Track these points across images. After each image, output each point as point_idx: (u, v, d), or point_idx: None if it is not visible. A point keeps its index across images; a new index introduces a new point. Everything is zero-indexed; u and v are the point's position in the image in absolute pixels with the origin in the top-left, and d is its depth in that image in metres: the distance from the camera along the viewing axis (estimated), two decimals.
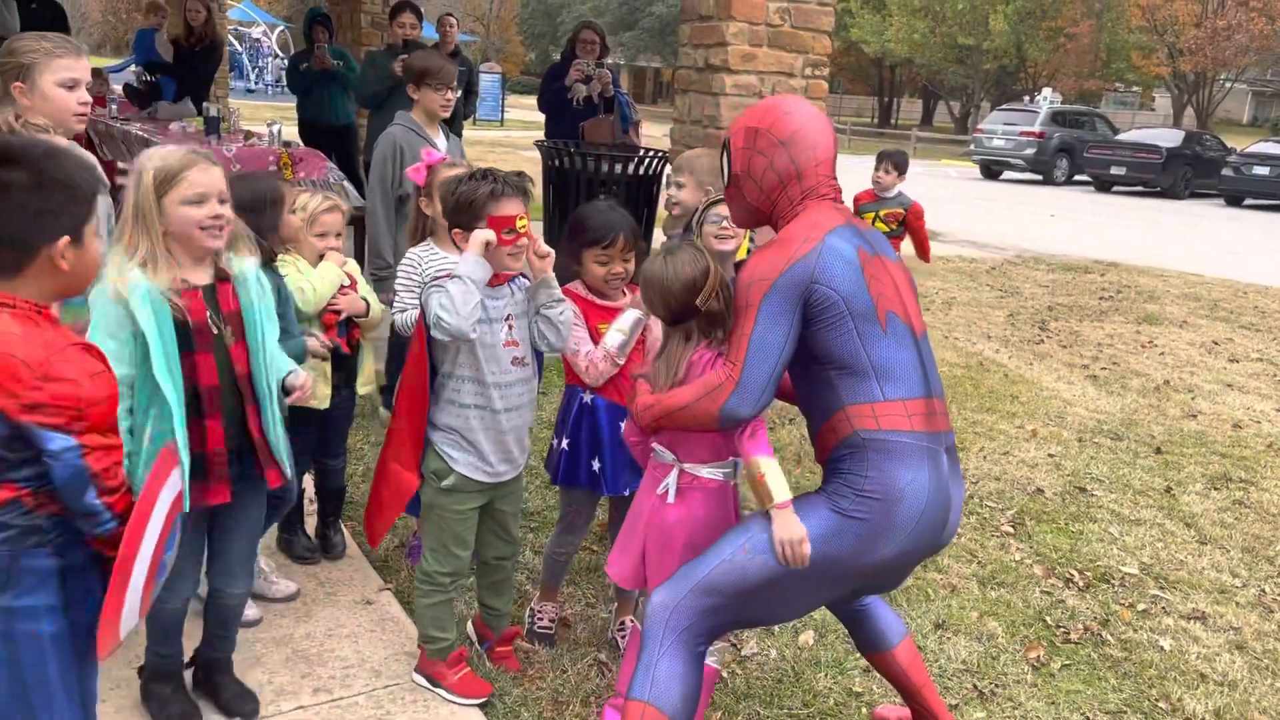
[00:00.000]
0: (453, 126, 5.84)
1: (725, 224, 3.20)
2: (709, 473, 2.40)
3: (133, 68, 9.33)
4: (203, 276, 2.31)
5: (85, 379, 1.71)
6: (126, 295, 2.17)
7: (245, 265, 2.40)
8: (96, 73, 7.71)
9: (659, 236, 7.12)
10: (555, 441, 2.96)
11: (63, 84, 2.73)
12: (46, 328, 1.73)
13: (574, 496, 3.00)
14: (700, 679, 2.27)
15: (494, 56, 56.01)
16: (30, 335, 1.68)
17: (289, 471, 2.50)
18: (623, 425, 2.62)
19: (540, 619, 3.10)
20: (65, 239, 1.74)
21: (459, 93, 4.08)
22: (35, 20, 8.50)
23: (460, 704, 2.70)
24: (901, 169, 6.17)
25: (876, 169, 6.18)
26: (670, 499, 2.38)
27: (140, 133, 6.97)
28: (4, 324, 1.68)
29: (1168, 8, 32.40)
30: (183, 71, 8.50)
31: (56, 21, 8.74)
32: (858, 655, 2.97)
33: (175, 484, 1.89)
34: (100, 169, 2.21)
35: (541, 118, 7.58)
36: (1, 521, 1.71)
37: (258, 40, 32.56)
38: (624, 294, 2.93)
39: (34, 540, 1.74)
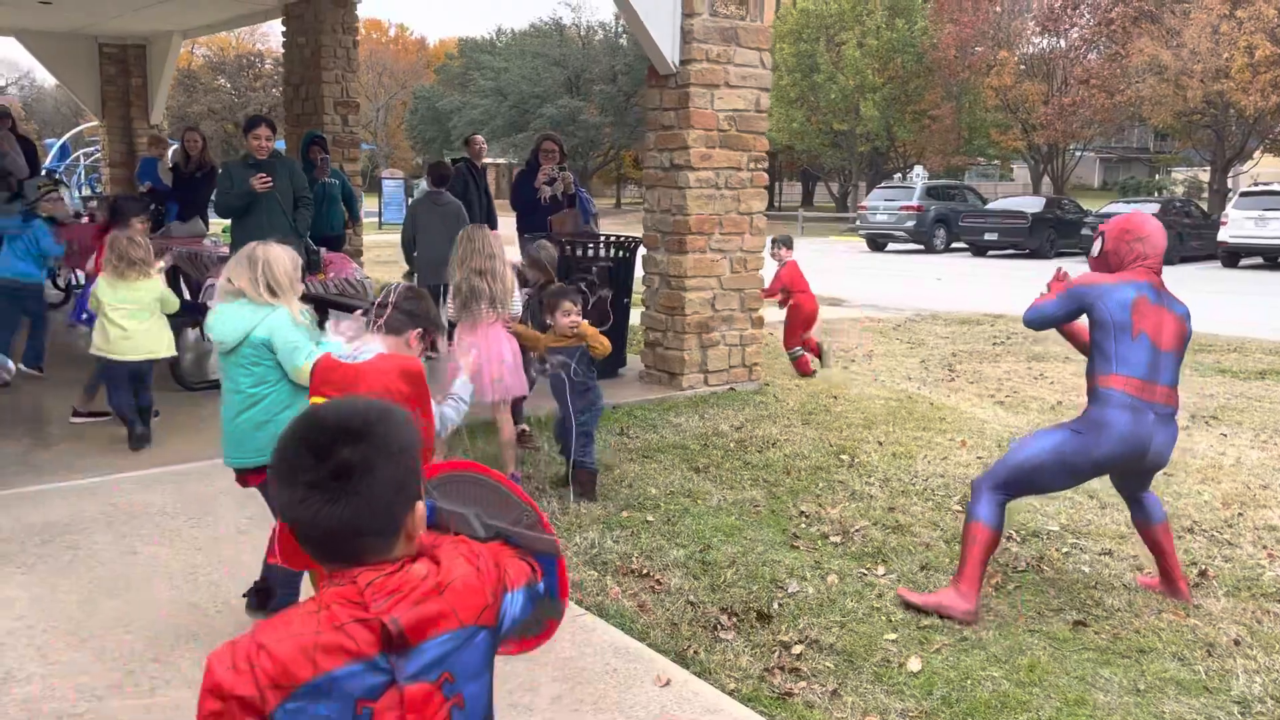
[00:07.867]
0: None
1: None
2: None
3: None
4: None
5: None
6: None
7: None
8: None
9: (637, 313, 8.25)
10: None
11: None
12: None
13: None
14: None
15: (383, 163, 57.23)
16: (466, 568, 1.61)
17: None
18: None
19: None
20: (420, 504, 1.56)
21: None
22: None
23: None
24: (789, 246, 8.99)
25: (774, 250, 8.74)
26: None
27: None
28: (459, 568, 1.56)
29: (1018, 89, 35.60)
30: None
31: None
32: (874, 588, 4.04)
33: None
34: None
35: None
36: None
37: None
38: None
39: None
